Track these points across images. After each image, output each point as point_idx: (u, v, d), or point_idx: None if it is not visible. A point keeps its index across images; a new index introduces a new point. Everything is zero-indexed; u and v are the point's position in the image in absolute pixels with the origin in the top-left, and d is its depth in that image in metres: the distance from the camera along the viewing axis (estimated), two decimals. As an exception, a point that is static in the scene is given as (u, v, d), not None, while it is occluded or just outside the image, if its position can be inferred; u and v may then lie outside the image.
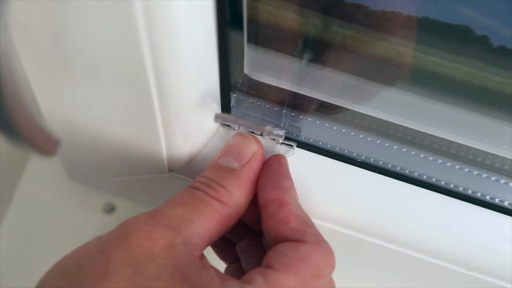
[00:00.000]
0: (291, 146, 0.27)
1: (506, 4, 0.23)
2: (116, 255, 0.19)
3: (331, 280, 0.23)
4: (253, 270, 0.20)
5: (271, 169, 0.24)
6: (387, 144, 0.28)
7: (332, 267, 0.21)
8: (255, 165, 0.24)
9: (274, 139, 0.26)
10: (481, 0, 0.23)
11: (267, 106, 0.28)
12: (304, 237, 0.21)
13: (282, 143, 0.26)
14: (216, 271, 0.20)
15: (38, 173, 0.39)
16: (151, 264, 0.19)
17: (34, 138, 0.14)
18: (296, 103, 0.29)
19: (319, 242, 0.21)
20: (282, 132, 0.26)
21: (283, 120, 0.28)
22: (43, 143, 0.15)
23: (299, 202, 0.24)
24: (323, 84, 0.29)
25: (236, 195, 0.22)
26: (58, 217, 0.38)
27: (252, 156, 0.24)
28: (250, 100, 0.28)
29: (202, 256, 0.21)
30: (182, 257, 0.19)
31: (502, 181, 0.28)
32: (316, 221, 0.24)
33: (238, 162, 0.23)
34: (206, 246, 0.21)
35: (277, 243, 0.22)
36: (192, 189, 0.22)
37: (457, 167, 0.28)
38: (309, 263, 0.20)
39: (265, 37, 0.27)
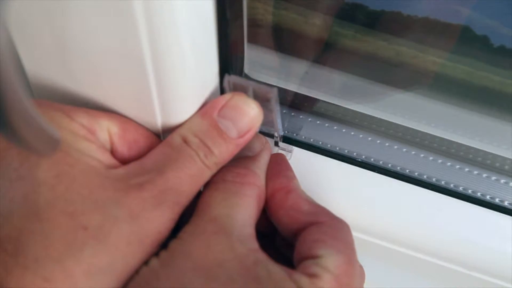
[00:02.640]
0: (290, 151, 0.27)
1: (506, 4, 0.23)
2: (182, 267, 0.19)
3: None
4: (303, 263, 0.20)
5: (273, 162, 0.25)
6: (387, 144, 0.29)
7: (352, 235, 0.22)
8: (266, 155, 0.25)
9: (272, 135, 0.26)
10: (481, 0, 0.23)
11: (266, 109, 0.28)
12: (319, 217, 0.22)
13: (281, 148, 0.27)
14: (278, 264, 0.20)
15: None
16: (220, 269, 0.19)
17: (34, 137, 0.14)
18: (296, 103, 0.29)
19: (334, 218, 0.22)
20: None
21: (283, 120, 0.28)
22: (43, 142, 0.15)
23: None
24: (323, 84, 0.29)
25: (260, 176, 0.23)
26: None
27: (261, 145, 0.25)
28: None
29: (260, 249, 0.21)
30: (245, 256, 0.19)
31: (502, 180, 0.28)
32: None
33: (251, 153, 0.24)
34: (254, 228, 0.22)
35: (292, 229, 0.22)
36: (220, 183, 0.22)
37: (457, 166, 0.28)
38: (342, 237, 0.21)
39: (266, 37, 0.27)
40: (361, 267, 0.23)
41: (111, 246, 0.18)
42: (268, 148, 0.25)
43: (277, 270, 0.19)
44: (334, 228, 0.22)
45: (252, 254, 0.20)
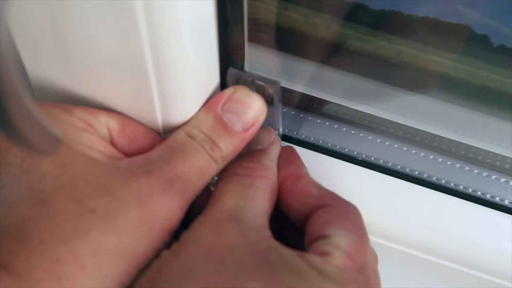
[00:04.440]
0: None
1: (506, 4, 0.23)
2: (194, 255, 0.19)
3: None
4: (314, 244, 0.20)
5: (283, 153, 0.25)
6: (387, 143, 0.29)
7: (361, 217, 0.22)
8: (277, 146, 0.25)
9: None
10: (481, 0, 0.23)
11: (267, 105, 0.28)
12: (329, 200, 0.22)
13: None
14: (290, 248, 0.20)
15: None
16: (232, 255, 0.19)
17: (35, 137, 0.14)
18: (297, 102, 0.29)
19: (343, 201, 0.22)
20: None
21: (284, 119, 0.28)
22: (44, 141, 0.15)
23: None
24: (324, 83, 0.29)
25: (272, 169, 0.23)
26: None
27: (270, 137, 0.25)
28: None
29: (272, 237, 0.21)
30: (257, 243, 0.19)
31: (502, 179, 0.28)
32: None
33: (262, 146, 0.24)
34: (267, 220, 0.21)
35: (303, 214, 0.22)
36: (233, 176, 0.22)
37: (457, 165, 0.28)
38: (352, 218, 0.21)
39: (266, 36, 0.27)
40: (373, 250, 0.22)
41: (119, 228, 0.18)
42: (278, 140, 0.25)
43: (289, 252, 0.19)
44: (343, 210, 0.22)
45: (264, 240, 0.20)
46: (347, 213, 0.22)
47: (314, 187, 0.23)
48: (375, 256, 0.22)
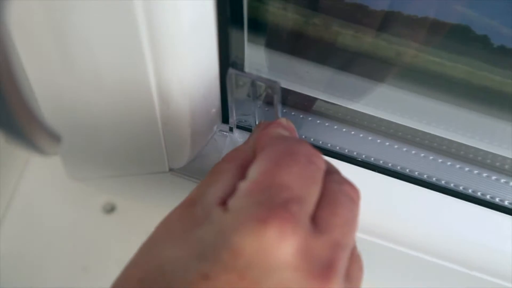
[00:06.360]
0: None
1: (506, 4, 0.23)
2: (141, 246, 0.19)
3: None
4: None
5: (265, 123, 0.23)
6: (387, 143, 0.29)
7: (307, 145, 0.20)
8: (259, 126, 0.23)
9: None
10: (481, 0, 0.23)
11: (267, 105, 0.28)
12: (272, 141, 0.20)
13: None
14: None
15: (38, 173, 0.39)
16: (165, 236, 0.19)
17: (34, 137, 0.14)
18: (297, 102, 0.29)
19: (285, 138, 0.20)
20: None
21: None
22: (43, 141, 0.15)
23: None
24: (324, 83, 0.29)
25: (242, 149, 0.22)
26: (58, 217, 0.38)
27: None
28: (251, 100, 0.28)
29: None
30: (198, 218, 0.19)
31: (502, 180, 0.28)
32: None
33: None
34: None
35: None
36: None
37: (457, 166, 0.28)
38: (276, 145, 0.19)
39: (266, 36, 0.27)
40: (327, 163, 0.21)
41: None
42: (260, 124, 0.23)
43: (217, 208, 0.18)
44: (271, 144, 0.20)
45: (204, 208, 0.19)
46: (272, 145, 0.20)
47: (269, 136, 0.21)
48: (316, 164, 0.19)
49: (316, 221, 0.18)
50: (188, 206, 0.19)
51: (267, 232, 0.16)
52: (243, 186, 0.18)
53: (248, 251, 0.16)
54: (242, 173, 0.20)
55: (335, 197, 0.19)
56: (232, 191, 0.19)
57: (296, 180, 0.18)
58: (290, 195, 0.17)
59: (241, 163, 0.20)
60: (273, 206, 0.16)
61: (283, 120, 0.23)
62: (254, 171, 0.18)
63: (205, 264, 0.16)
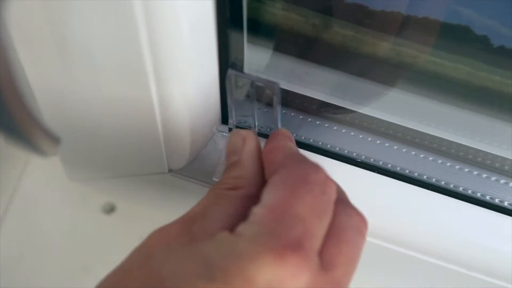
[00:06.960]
0: None
1: (506, 4, 0.23)
2: (132, 253, 0.19)
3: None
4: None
5: (271, 136, 0.24)
6: (387, 144, 0.28)
7: (321, 173, 0.20)
8: (249, 144, 0.23)
9: None
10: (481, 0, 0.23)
11: (266, 106, 0.28)
12: (286, 163, 0.20)
13: None
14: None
15: (38, 173, 0.39)
16: (164, 249, 0.19)
17: (34, 138, 0.14)
18: (296, 103, 0.29)
19: (300, 160, 0.20)
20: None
21: (283, 120, 0.28)
22: (43, 142, 0.15)
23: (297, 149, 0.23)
24: (324, 84, 0.29)
25: (246, 176, 0.22)
26: (58, 217, 0.38)
27: (243, 140, 0.23)
28: (251, 101, 0.28)
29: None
30: (197, 236, 0.19)
31: (502, 181, 0.28)
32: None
33: (237, 155, 0.23)
34: (233, 225, 0.20)
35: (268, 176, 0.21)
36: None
37: (457, 167, 0.28)
38: (292, 172, 0.19)
39: (265, 37, 0.27)
40: (337, 185, 0.21)
41: None
42: (250, 138, 0.23)
43: (222, 232, 0.19)
44: (289, 169, 0.20)
45: (206, 235, 0.19)
46: (286, 166, 0.20)
47: (281, 153, 0.21)
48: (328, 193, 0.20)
49: (322, 257, 0.19)
50: (187, 223, 0.20)
51: (284, 267, 0.17)
52: (258, 212, 0.18)
53: (261, 281, 0.17)
54: (245, 202, 0.21)
55: (343, 234, 0.20)
56: (235, 217, 0.20)
57: (310, 212, 0.18)
58: (304, 229, 0.18)
59: (245, 194, 0.21)
60: (289, 240, 0.17)
61: (285, 130, 0.24)
62: (269, 197, 0.19)
63: (214, 284, 0.17)
